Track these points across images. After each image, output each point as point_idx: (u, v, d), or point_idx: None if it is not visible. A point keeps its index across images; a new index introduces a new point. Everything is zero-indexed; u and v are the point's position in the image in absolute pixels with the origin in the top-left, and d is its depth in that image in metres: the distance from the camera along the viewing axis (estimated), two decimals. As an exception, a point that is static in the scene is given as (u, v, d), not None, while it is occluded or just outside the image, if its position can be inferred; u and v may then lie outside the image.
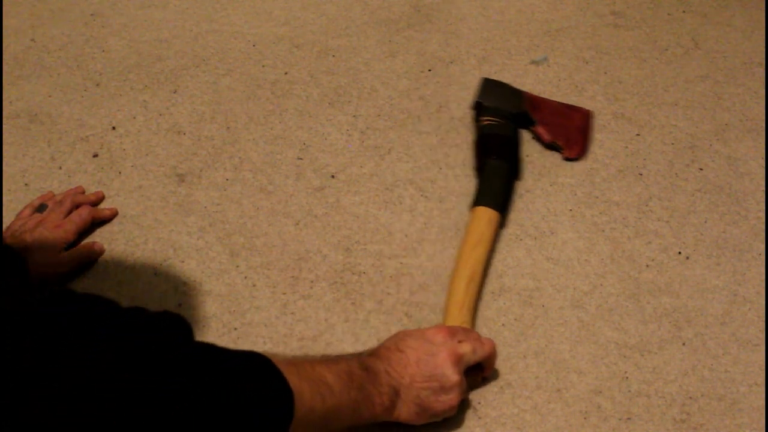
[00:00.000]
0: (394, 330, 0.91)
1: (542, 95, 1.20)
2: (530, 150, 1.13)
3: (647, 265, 0.99)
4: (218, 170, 1.10)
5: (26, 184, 1.08)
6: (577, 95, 1.23)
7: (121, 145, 1.14)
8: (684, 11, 1.41)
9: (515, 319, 0.93)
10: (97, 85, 1.24)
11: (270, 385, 0.63)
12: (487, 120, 1.12)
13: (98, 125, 1.17)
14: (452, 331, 0.81)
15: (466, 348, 0.80)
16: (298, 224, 1.03)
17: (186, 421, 0.54)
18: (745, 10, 1.42)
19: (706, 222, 1.04)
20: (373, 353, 0.78)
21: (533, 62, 1.29)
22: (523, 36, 1.35)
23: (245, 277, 0.97)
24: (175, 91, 1.23)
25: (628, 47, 1.33)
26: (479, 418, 0.84)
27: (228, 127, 1.17)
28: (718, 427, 0.83)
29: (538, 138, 1.14)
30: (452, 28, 1.36)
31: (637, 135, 1.16)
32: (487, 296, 0.95)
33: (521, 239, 1.01)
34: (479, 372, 0.84)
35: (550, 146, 1.13)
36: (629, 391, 0.86)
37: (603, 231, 1.03)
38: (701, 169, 1.12)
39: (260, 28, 1.36)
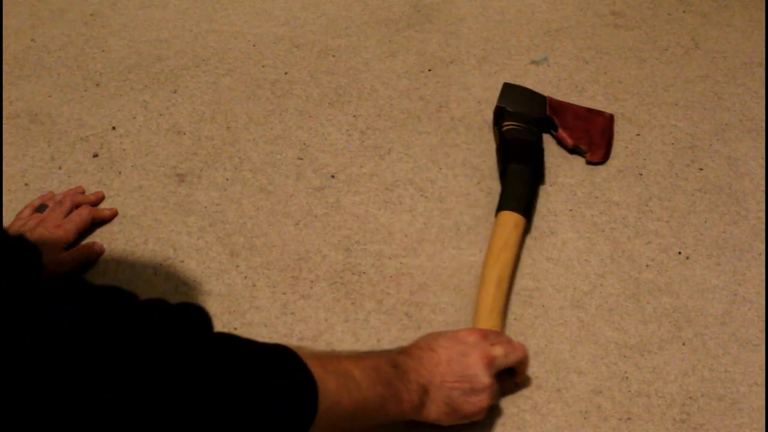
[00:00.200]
0: (394, 330, 0.91)
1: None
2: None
3: (647, 265, 0.99)
4: (218, 170, 1.10)
5: (26, 184, 1.08)
6: (577, 95, 1.23)
7: (121, 145, 1.14)
8: (684, 11, 1.41)
9: (515, 319, 0.93)
10: (97, 85, 1.25)
11: (293, 376, 0.62)
12: (509, 125, 1.11)
13: (98, 125, 1.17)
14: (485, 334, 0.81)
15: (498, 351, 0.80)
16: (298, 224, 1.03)
17: (196, 418, 0.54)
18: (745, 10, 1.42)
19: (706, 222, 1.04)
20: (403, 351, 0.77)
21: (533, 62, 1.29)
22: (523, 36, 1.35)
23: (245, 277, 0.97)
24: (175, 91, 1.23)
25: (628, 47, 1.33)
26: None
27: (228, 127, 1.17)
28: (718, 427, 0.83)
29: (560, 142, 1.14)
30: (452, 28, 1.36)
31: (637, 135, 1.17)
32: (487, 296, 0.95)
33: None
34: (511, 377, 0.84)
35: (573, 150, 1.13)
36: (629, 391, 0.86)
37: (603, 231, 1.03)
38: (701, 169, 1.12)
39: (260, 28, 1.36)
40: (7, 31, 1.35)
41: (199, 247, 1.00)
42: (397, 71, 1.27)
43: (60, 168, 1.11)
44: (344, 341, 0.91)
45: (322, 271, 0.98)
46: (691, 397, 0.86)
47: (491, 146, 1.14)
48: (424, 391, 0.75)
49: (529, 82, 1.23)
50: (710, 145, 1.15)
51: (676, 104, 1.22)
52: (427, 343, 0.79)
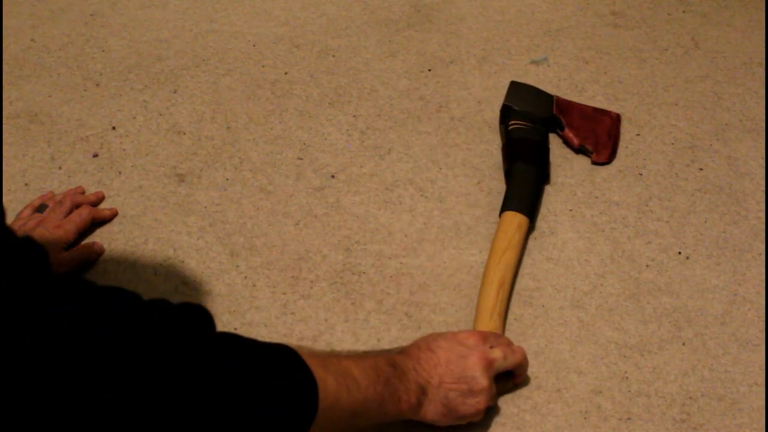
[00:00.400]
0: (394, 330, 0.91)
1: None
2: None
3: (647, 265, 0.99)
4: (218, 170, 1.10)
5: (26, 184, 1.08)
6: (577, 95, 1.23)
7: (121, 145, 1.14)
8: (684, 11, 1.41)
9: (515, 319, 0.93)
10: (97, 85, 1.25)
11: (294, 376, 0.62)
12: (515, 124, 1.11)
13: (98, 125, 1.17)
14: (484, 336, 0.82)
15: (497, 354, 0.80)
16: (298, 224, 1.03)
17: (196, 418, 0.54)
18: (745, 10, 1.42)
19: (706, 222, 1.04)
20: (403, 351, 0.78)
21: (533, 62, 1.29)
22: (523, 36, 1.35)
23: (245, 277, 0.97)
24: (175, 91, 1.23)
25: (628, 47, 1.33)
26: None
27: (228, 127, 1.17)
28: (718, 427, 0.83)
29: (566, 142, 1.14)
30: (452, 28, 1.36)
31: (637, 135, 1.17)
32: (487, 296, 0.95)
33: (521, 239, 1.01)
34: (510, 378, 0.84)
35: (579, 150, 1.12)
36: (629, 391, 0.86)
37: (603, 231, 1.03)
38: (701, 169, 1.12)
39: (260, 28, 1.36)
40: (7, 31, 1.35)
41: (199, 247, 1.00)
42: (397, 71, 1.27)
43: (60, 168, 1.11)
44: (344, 341, 0.91)
45: (322, 271, 0.98)
46: (691, 397, 0.86)
47: (491, 146, 1.14)
48: (423, 391, 0.75)
49: (529, 82, 1.23)
50: (710, 145, 1.15)
51: (676, 104, 1.22)
52: (426, 343, 0.79)
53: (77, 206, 1.02)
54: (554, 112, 1.15)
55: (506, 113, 1.14)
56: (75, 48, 1.32)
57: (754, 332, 0.92)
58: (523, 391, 0.86)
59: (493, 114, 1.17)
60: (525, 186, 1.03)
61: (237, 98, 1.22)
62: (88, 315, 0.52)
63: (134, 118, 1.18)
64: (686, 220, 1.05)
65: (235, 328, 0.91)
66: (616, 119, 1.17)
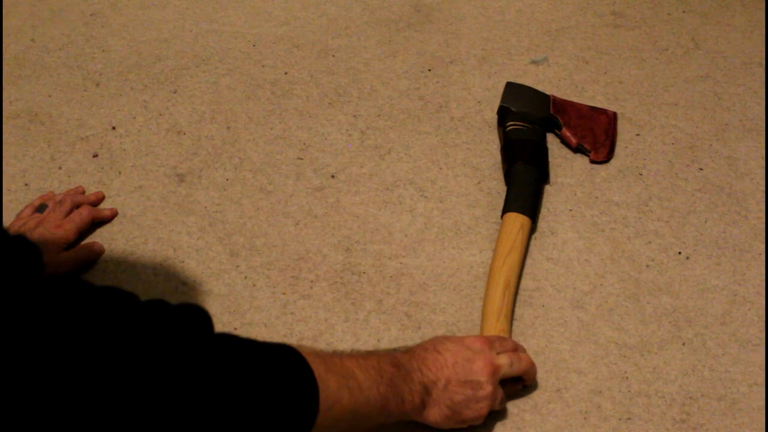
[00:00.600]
0: (394, 330, 0.91)
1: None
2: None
3: (647, 265, 0.99)
4: (218, 170, 1.10)
5: (26, 184, 1.08)
6: (577, 95, 1.23)
7: (121, 145, 1.14)
8: (684, 11, 1.41)
9: (515, 319, 0.93)
10: (97, 85, 1.25)
11: (295, 376, 0.62)
12: (513, 125, 1.11)
13: (98, 125, 1.17)
14: (491, 342, 0.81)
15: (503, 360, 0.80)
16: (298, 224, 1.03)
17: (198, 418, 0.54)
18: (745, 10, 1.42)
19: (706, 222, 1.04)
20: (408, 351, 0.78)
21: (533, 62, 1.29)
22: (523, 36, 1.35)
23: (245, 277, 0.97)
24: (175, 91, 1.23)
25: (628, 47, 1.33)
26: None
27: (228, 127, 1.17)
28: (718, 427, 0.83)
29: (564, 141, 1.14)
30: (452, 28, 1.36)
31: (637, 135, 1.17)
32: (487, 296, 0.95)
33: (521, 239, 1.01)
34: (518, 382, 0.84)
35: (578, 149, 1.13)
36: (629, 391, 0.86)
37: (603, 231, 1.03)
38: (701, 169, 1.12)
39: (260, 28, 1.36)
40: (7, 31, 1.35)
41: (199, 247, 1.00)
42: (397, 71, 1.27)
43: (60, 168, 1.11)
44: (344, 341, 0.91)
45: (322, 271, 0.98)
46: (691, 397, 0.86)
47: (491, 146, 1.14)
48: (427, 391, 0.75)
49: (529, 82, 1.23)
50: (710, 145, 1.15)
51: (676, 104, 1.22)
52: (433, 345, 0.79)
53: (77, 206, 1.02)
54: (551, 111, 1.15)
55: (503, 114, 1.14)
56: (75, 48, 1.32)
57: (754, 332, 0.92)
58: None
59: (493, 114, 1.17)
60: (526, 187, 1.03)
61: (237, 98, 1.22)
62: (87, 316, 0.52)
63: (134, 118, 1.18)
64: (686, 220, 1.05)
65: (235, 328, 0.91)
66: (612, 117, 1.17)
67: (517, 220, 0.98)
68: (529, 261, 0.99)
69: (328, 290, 0.96)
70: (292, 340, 0.90)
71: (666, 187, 1.09)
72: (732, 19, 1.39)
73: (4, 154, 1.12)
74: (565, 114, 1.15)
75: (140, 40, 1.33)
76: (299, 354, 0.64)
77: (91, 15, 1.39)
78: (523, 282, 0.97)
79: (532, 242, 1.01)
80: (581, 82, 1.25)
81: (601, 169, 1.11)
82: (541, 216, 1.04)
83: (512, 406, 0.84)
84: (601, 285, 0.97)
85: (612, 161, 1.12)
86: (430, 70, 1.27)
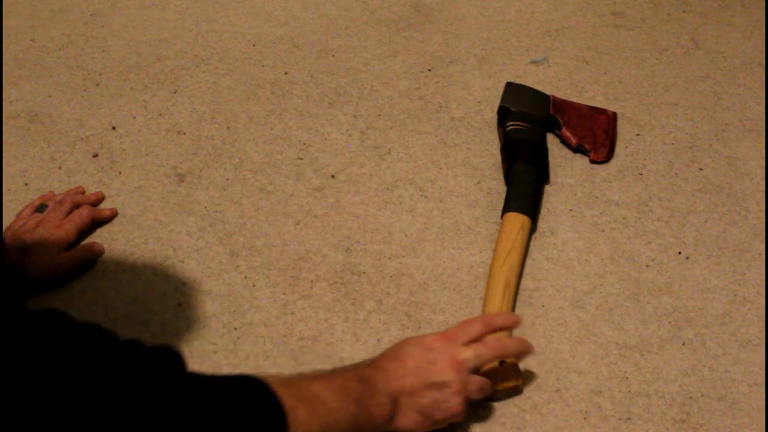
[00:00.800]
0: (394, 330, 0.91)
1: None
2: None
3: (647, 265, 0.99)
4: (218, 170, 1.10)
5: (26, 184, 1.08)
6: (577, 95, 1.23)
7: (121, 145, 1.14)
8: (684, 11, 1.41)
9: (515, 319, 0.93)
10: (97, 85, 1.25)
11: (263, 412, 0.63)
12: (513, 125, 1.11)
13: (98, 125, 1.17)
14: (453, 336, 0.80)
15: (467, 354, 0.79)
16: (298, 224, 1.03)
17: None
18: (745, 10, 1.42)
19: (706, 222, 1.04)
20: (372, 363, 0.77)
21: (533, 62, 1.29)
22: (523, 36, 1.35)
23: (245, 277, 0.97)
24: (175, 91, 1.23)
25: (628, 47, 1.33)
26: (479, 417, 0.84)
27: (228, 127, 1.17)
28: (718, 427, 0.83)
29: (564, 141, 1.14)
30: (452, 28, 1.36)
31: (637, 135, 1.17)
32: (487, 296, 0.95)
33: (521, 239, 1.01)
34: (511, 367, 0.83)
35: (578, 149, 1.12)
36: (629, 391, 0.86)
37: (603, 231, 1.03)
38: (701, 169, 1.12)
39: (260, 28, 1.36)
40: (7, 31, 1.35)
41: (199, 247, 1.00)
42: (397, 71, 1.27)
43: (60, 168, 1.11)
44: (344, 341, 0.91)
45: (322, 271, 0.98)
46: (691, 397, 0.86)
47: (491, 146, 1.14)
48: (394, 402, 0.75)
49: (529, 82, 1.23)
50: (710, 145, 1.15)
51: (676, 104, 1.22)
52: (396, 352, 0.78)
53: (77, 206, 1.02)
54: (551, 111, 1.15)
55: (503, 114, 1.14)
56: (75, 48, 1.32)
57: (754, 332, 0.92)
58: (523, 391, 0.86)
59: (493, 114, 1.17)
60: (526, 187, 1.03)
61: (237, 98, 1.22)
62: (60, 357, 0.52)
63: (134, 118, 1.18)
64: (686, 220, 1.05)
65: (235, 328, 0.92)
66: (612, 117, 1.17)
67: (517, 220, 0.98)
68: (529, 261, 0.99)
69: (328, 290, 0.96)
70: (292, 340, 0.90)
71: (666, 187, 1.09)
72: (732, 19, 1.39)
73: (4, 154, 1.12)
74: (565, 114, 1.15)
75: (140, 40, 1.33)
76: (268, 387, 0.64)
77: (91, 15, 1.39)
78: (523, 282, 0.97)
79: (532, 242, 1.01)
80: (581, 82, 1.25)
81: (601, 169, 1.11)
82: (541, 216, 1.04)
83: (512, 406, 0.84)
84: (601, 285, 0.97)
85: (612, 161, 1.12)
86: (430, 70, 1.27)
